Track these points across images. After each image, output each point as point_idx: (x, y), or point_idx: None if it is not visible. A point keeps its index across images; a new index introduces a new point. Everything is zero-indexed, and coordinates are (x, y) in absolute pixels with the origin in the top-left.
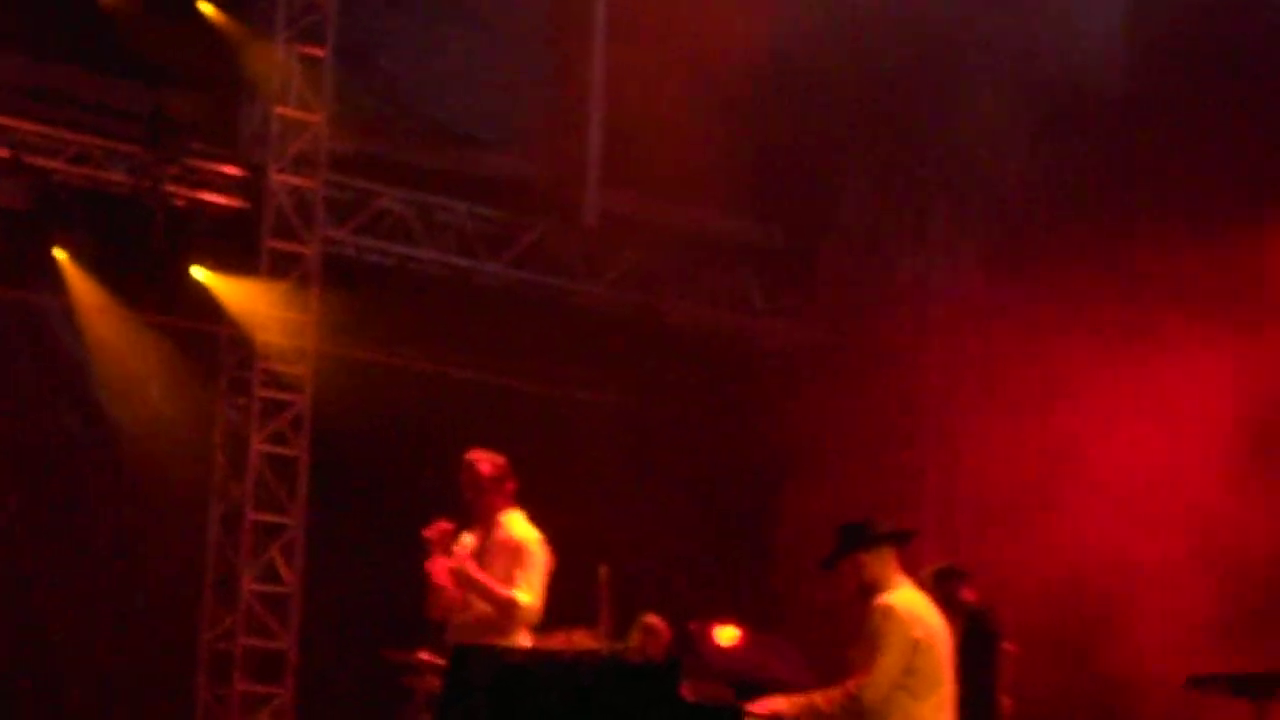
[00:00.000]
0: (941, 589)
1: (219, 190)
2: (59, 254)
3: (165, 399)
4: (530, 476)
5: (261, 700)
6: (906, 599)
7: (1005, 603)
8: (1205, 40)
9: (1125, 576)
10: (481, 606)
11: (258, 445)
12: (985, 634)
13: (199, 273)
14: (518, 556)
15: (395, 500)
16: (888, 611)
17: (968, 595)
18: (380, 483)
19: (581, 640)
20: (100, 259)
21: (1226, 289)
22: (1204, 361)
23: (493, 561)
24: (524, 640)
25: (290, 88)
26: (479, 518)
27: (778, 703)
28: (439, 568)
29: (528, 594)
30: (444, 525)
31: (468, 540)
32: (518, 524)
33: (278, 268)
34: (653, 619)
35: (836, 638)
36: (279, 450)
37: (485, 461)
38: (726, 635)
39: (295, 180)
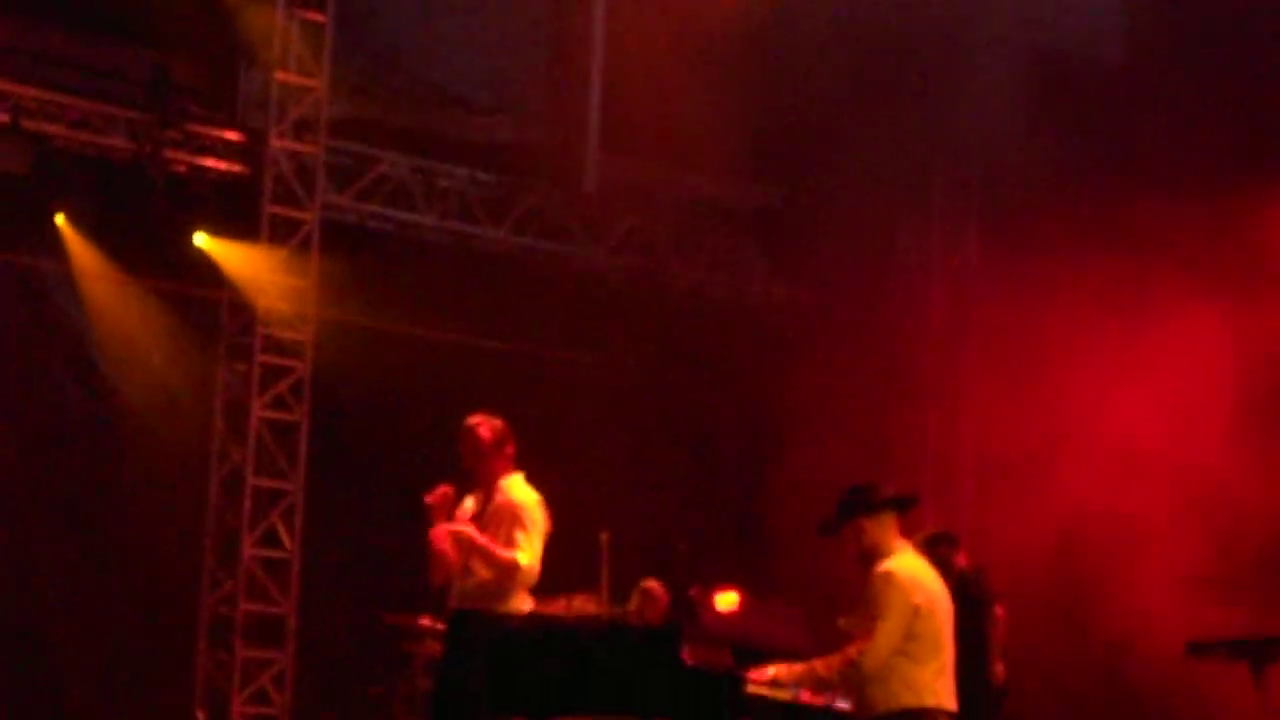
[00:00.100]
0: (933, 554)
1: (219, 156)
2: (59, 219)
3: (165, 365)
4: (530, 441)
5: (262, 665)
6: (907, 565)
7: (1006, 565)
8: (1202, 7)
9: (1124, 537)
10: (483, 572)
11: (258, 411)
12: (976, 599)
13: (199, 238)
14: (518, 518)
15: (395, 465)
16: (888, 578)
17: (959, 560)
18: (380, 448)
19: (581, 605)
20: (100, 224)
21: (1223, 255)
22: (1200, 325)
23: (494, 525)
24: (525, 604)
25: (290, 53)
26: (479, 482)
27: (778, 669)
28: (440, 534)
29: (527, 554)
30: (445, 490)
31: (468, 504)
32: (518, 487)
33: (278, 233)
34: (652, 584)
35: (836, 603)
36: (279, 416)
37: (485, 426)
38: (726, 600)
39: (295, 146)
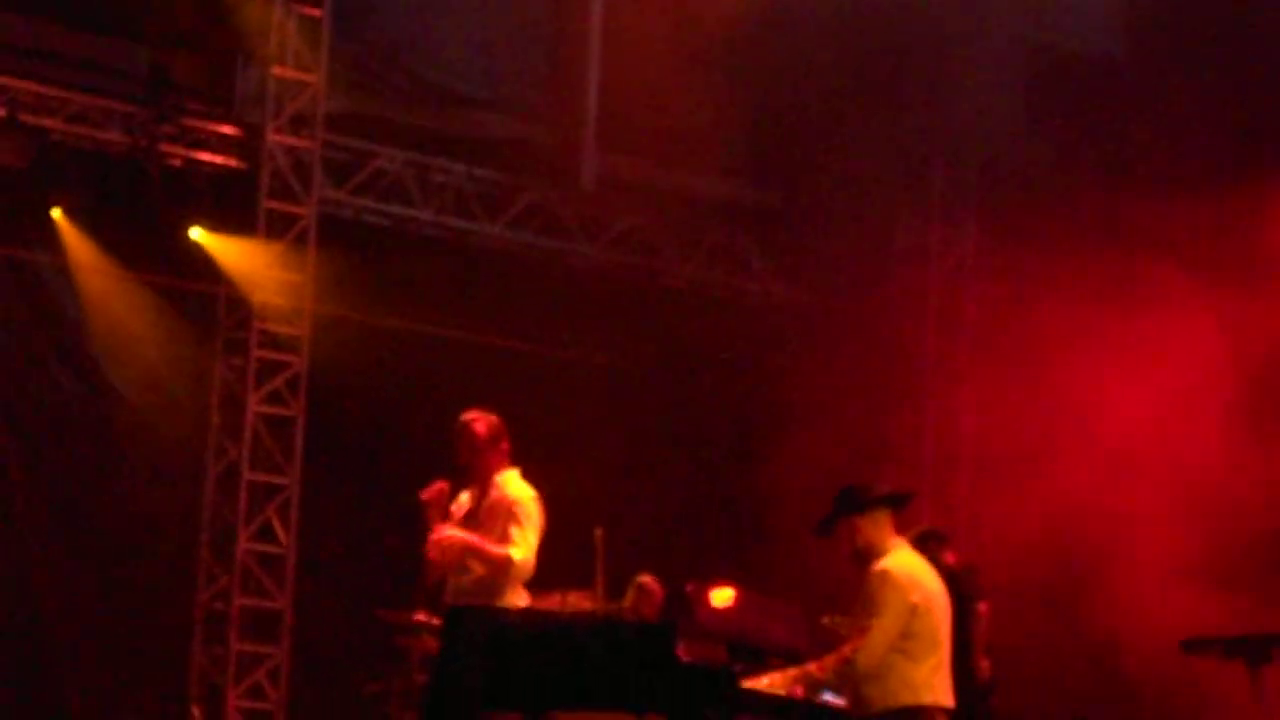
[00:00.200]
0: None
1: (216, 150)
2: (55, 213)
3: (161, 359)
4: (526, 437)
5: (257, 660)
6: (903, 563)
7: (1003, 560)
8: (1201, 5)
9: (1121, 533)
10: (477, 568)
11: (254, 405)
12: (961, 595)
13: (196, 233)
14: (513, 514)
15: (391, 461)
16: (885, 577)
17: (948, 558)
18: (376, 443)
19: (576, 601)
20: (97, 218)
21: (1221, 252)
22: (1197, 322)
23: (489, 521)
24: (520, 600)
25: (287, 48)
26: (475, 478)
27: (772, 679)
28: (430, 546)
29: (521, 549)
30: (440, 486)
31: (464, 500)
32: (513, 483)
33: (275, 228)
34: (647, 580)
35: (833, 600)
36: (275, 410)
37: (480, 421)
38: (722, 597)
39: (292, 140)
